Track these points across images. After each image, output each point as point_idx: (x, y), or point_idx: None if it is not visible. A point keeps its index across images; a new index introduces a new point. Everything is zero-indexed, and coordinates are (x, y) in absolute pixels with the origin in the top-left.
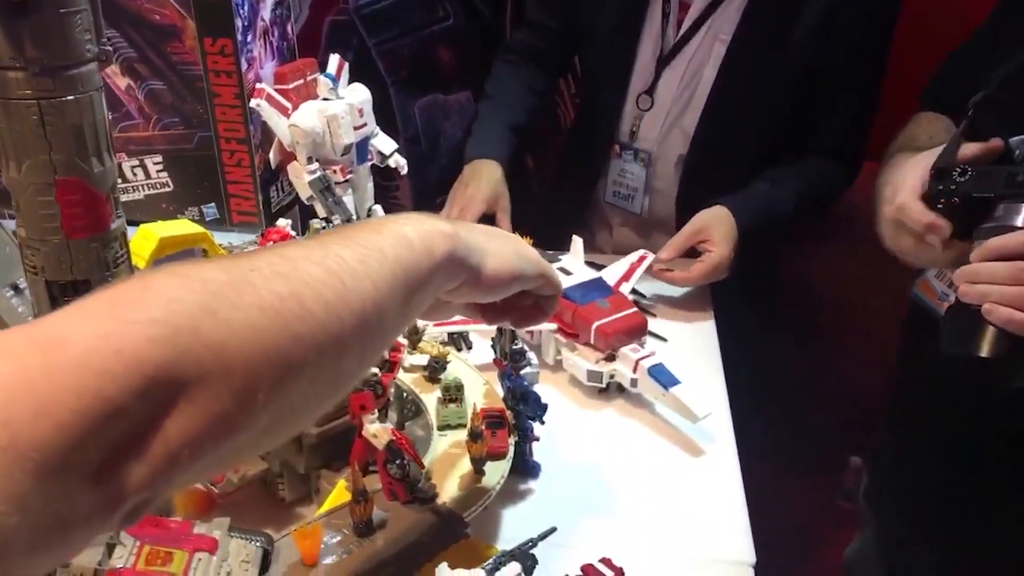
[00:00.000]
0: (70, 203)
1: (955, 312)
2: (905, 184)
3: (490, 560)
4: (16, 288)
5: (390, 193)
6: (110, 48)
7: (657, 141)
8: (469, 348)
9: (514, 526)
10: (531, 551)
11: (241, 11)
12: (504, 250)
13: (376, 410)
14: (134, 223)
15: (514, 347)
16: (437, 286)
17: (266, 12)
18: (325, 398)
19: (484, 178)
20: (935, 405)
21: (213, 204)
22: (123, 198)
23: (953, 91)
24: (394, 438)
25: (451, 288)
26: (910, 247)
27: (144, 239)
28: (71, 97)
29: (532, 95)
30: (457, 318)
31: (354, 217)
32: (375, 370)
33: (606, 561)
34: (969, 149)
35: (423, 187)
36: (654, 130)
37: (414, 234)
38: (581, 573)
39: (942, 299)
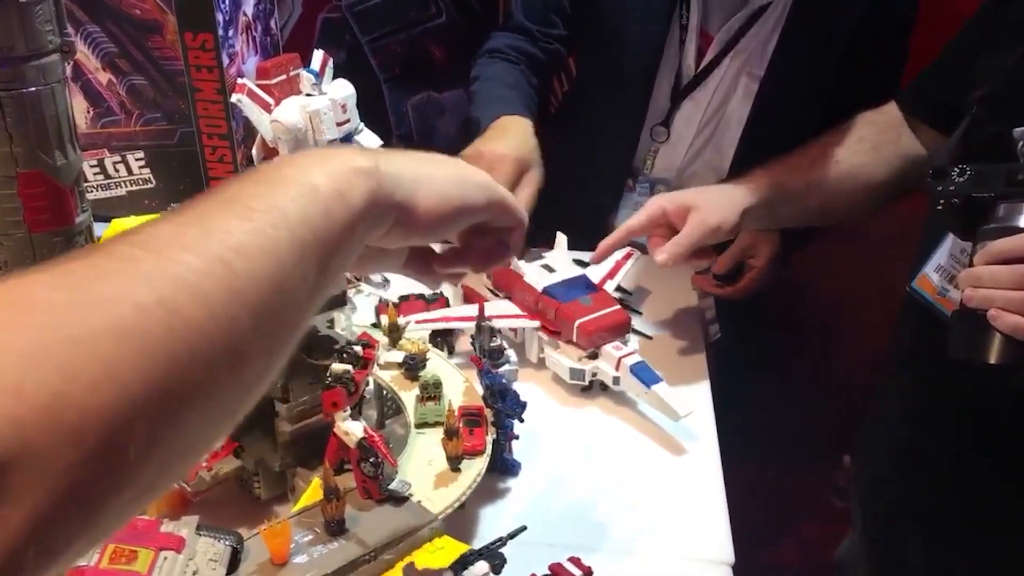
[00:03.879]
0: (32, 196)
1: (961, 317)
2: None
3: (457, 559)
4: None
5: None
6: (72, 39)
7: (677, 175)
8: (451, 352)
9: (491, 525)
10: (500, 550)
11: (222, 5)
12: (442, 177)
13: (349, 407)
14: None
15: (492, 344)
16: (360, 238)
17: (248, 7)
18: (226, 420)
19: (515, 136)
20: (930, 403)
21: None
22: (105, 194)
23: (946, 87)
24: (366, 436)
25: (380, 234)
26: None
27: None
28: (32, 89)
29: (531, 88)
30: (440, 315)
31: None
32: (348, 367)
33: (575, 560)
34: None
35: None
36: (672, 163)
37: (322, 178)
38: (549, 572)
39: (942, 294)
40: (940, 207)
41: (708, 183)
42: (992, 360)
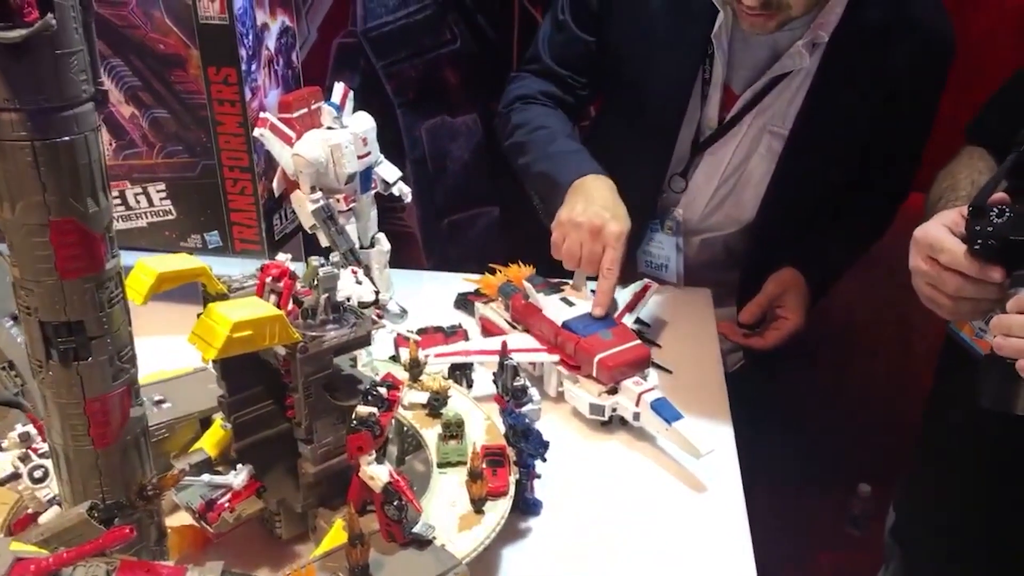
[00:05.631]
0: (64, 244)
1: (991, 364)
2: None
3: None
4: (15, 318)
5: (396, 215)
6: (106, 88)
7: (697, 223)
8: (470, 386)
9: (514, 566)
10: None
11: (246, 40)
12: None
13: (374, 451)
14: (137, 250)
15: (516, 384)
16: None
17: (271, 41)
18: None
19: (614, 203)
20: (971, 445)
21: (216, 232)
22: (126, 225)
23: (1000, 126)
24: (391, 480)
25: None
26: (931, 295)
27: (142, 274)
28: (66, 138)
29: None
30: (459, 348)
31: (356, 246)
32: (373, 409)
33: None
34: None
35: (429, 209)
36: (689, 211)
37: None
38: None
39: (979, 335)
40: (977, 247)
41: (727, 228)
42: (1019, 411)
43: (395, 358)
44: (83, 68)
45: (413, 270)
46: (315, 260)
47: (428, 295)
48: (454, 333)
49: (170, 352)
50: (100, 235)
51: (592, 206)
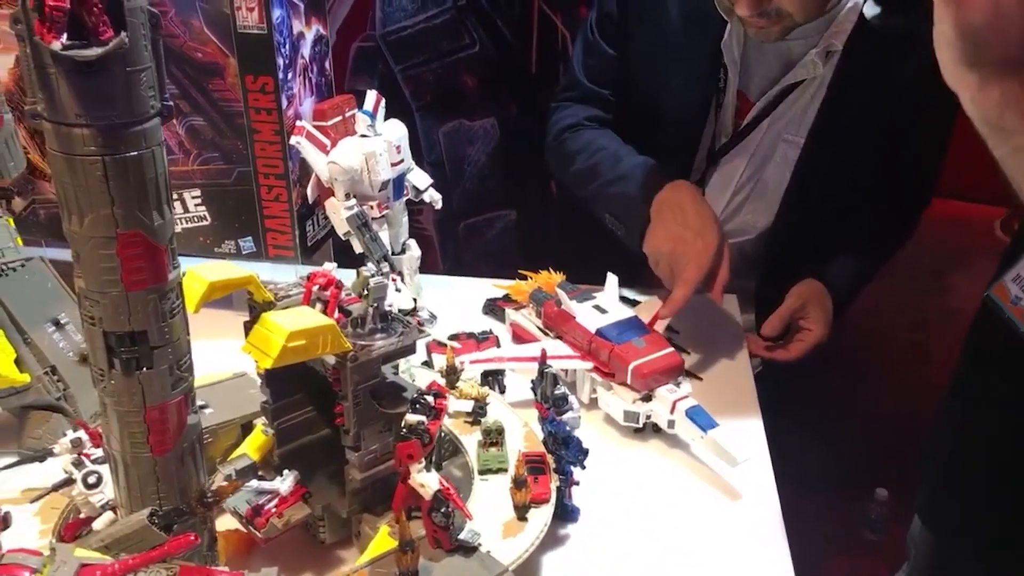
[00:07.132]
0: (131, 256)
1: None
2: None
3: None
4: (57, 323)
5: (413, 218)
6: (172, 103)
7: None
8: (502, 391)
9: (554, 572)
10: None
11: (283, 49)
12: None
13: (423, 458)
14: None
15: (556, 391)
16: None
17: (306, 49)
18: None
19: (697, 217)
20: (1001, 426)
21: (250, 237)
22: None
23: None
24: (441, 488)
25: None
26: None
27: (194, 283)
28: (135, 153)
29: None
30: (493, 355)
31: (389, 252)
32: (422, 418)
33: None
34: None
35: (447, 211)
36: None
37: None
38: None
39: (1015, 303)
40: None
41: (742, 235)
42: None
43: (427, 364)
44: (151, 84)
45: (435, 275)
46: (366, 270)
47: (453, 300)
48: (486, 339)
49: (204, 356)
50: (164, 247)
51: (675, 227)
